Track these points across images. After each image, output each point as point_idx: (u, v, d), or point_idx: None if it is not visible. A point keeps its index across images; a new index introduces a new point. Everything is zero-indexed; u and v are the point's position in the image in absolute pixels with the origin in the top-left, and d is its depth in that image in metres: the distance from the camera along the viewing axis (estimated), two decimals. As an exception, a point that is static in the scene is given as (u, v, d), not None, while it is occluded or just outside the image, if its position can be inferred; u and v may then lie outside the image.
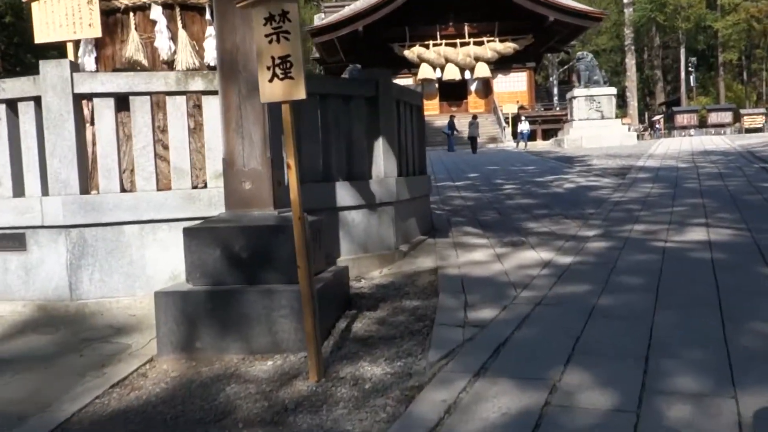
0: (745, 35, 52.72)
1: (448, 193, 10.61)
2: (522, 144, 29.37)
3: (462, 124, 30.14)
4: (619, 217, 6.73)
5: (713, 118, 47.48)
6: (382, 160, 5.27)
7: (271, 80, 2.73)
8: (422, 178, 6.30)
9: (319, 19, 39.33)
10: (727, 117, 47.50)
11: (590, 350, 2.88)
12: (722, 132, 45.42)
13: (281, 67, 2.71)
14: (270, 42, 2.71)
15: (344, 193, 4.94)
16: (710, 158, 14.86)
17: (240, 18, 3.50)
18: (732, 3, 52.57)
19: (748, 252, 4.66)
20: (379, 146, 5.26)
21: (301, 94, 2.70)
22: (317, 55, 42.79)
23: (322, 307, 3.39)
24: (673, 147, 20.91)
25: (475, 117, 27.80)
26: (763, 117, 47.28)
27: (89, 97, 4.32)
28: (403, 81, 39.01)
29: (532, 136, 35.65)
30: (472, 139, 25.90)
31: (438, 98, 39.13)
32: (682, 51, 54.81)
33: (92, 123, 4.71)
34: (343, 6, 39.62)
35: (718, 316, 3.24)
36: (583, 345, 2.95)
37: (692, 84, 55.23)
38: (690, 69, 53.37)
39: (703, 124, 46.92)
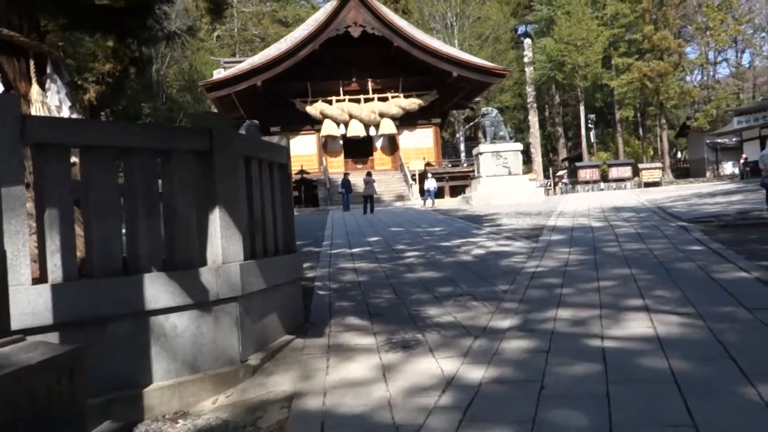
0: (638, 93, 55.41)
1: (341, 263, 9.23)
2: (429, 202, 28.60)
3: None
4: (539, 297, 5.55)
5: (614, 172, 49.23)
6: (221, 239, 3.83)
7: None
8: (289, 258, 4.88)
9: (219, 74, 37.97)
10: (626, 171, 49.30)
11: None
12: (623, 186, 47.00)
13: None
14: None
15: (160, 290, 3.47)
16: (622, 215, 14.31)
17: None
18: (625, 63, 55.40)
19: (715, 356, 3.50)
20: (216, 220, 3.83)
21: None
22: (216, 110, 41.21)
23: None
24: (582, 204, 20.58)
25: (369, 174, 26.58)
26: (660, 171, 49.46)
27: None
28: (307, 137, 38.02)
29: (439, 194, 35.21)
30: (367, 198, 24.62)
31: (343, 155, 38.22)
32: (582, 108, 56.95)
33: None
34: (244, 60, 38.51)
35: None
36: None
37: (592, 140, 57.38)
38: (589, 125, 55.47)
39: (604, 179, 48.47)
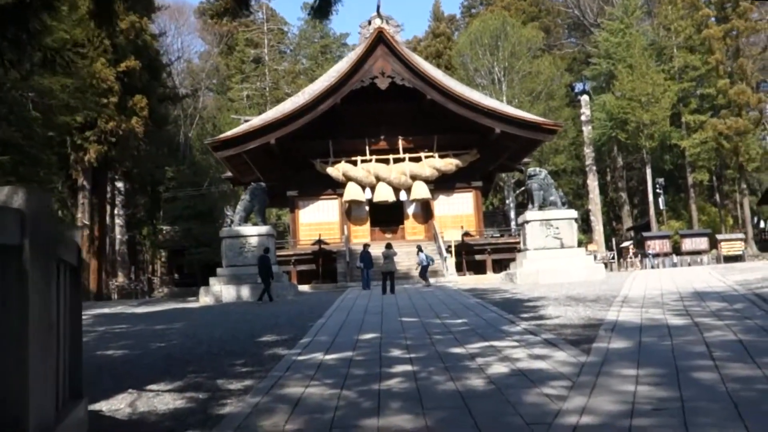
0: (714, 154, 52.30)
1: (290, 386, 6.65)
2: (431, 279, 25.88)
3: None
4: None
5: (688, 244, 45.85)
6: None
7: None
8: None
9: (235, 134, 36.62)
10: (702, 243, 45.80)
11: None
12: (699, 260, 43.39)
13: None
14: None
15: None
16: (709, 306, 11.43)
17: None
18: (698, 120, 52.58)
19: None
20: None
21: None
22: (230, 174, 39.75)
23: None
24: (652, 284, 17.64)
25: (389, 246, 23.63)
26: (742, 243, 45.73)
27: None
28: (328, 203, 36.00)
29: (481, 269, 32.67)
30: (387, 275, 21.84)
31: (369, 223, 35.89)
32: (648, 171, 54.03)
33: None
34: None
35: None
36: None
37: (662, 207, 54.12)
38: (658, 191, 52.38)
39: (676, 251, 45.07)
